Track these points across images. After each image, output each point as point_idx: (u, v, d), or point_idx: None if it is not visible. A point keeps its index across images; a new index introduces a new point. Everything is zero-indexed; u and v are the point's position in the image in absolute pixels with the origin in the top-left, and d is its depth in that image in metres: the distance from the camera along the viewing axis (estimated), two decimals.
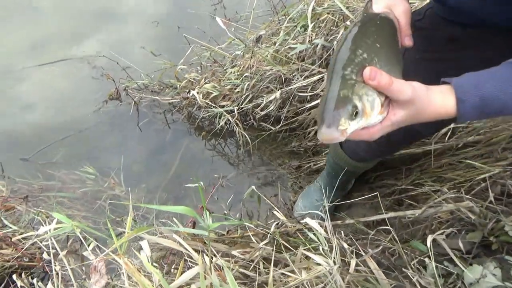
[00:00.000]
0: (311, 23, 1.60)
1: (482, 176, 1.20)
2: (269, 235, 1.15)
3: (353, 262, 0.86)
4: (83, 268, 0.94)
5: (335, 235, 1.00)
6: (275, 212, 1.23)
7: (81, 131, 1.99)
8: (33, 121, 2.05)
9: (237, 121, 1.77)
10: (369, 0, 0.69)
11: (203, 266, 0.63)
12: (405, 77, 0.56)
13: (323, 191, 1.36)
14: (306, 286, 0.79)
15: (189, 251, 0.68)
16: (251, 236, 1.09)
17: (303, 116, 1.74)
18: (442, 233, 1.03)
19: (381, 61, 0.54)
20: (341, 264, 0.90)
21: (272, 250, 1.19)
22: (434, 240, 1.21)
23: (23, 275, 1.43)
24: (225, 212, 1.61)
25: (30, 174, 1.84)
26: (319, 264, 0.89)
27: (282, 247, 1.07)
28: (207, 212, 0.68)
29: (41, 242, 0.91)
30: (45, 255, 0.86)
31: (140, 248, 0.71)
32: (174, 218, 1.20)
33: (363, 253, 0.98)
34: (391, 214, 1.05)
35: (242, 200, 1.67)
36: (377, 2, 0.69)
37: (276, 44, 1.73)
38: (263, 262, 1.08)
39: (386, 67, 0.55)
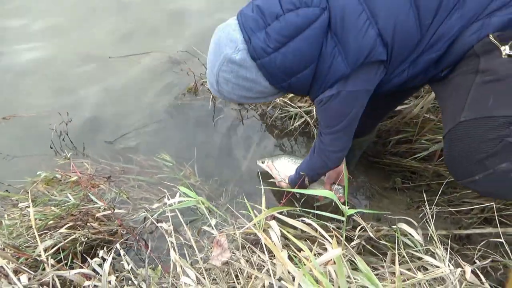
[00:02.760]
0: None
1: None
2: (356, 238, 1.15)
3: (468, 269, 0.83)
4: (205, 241, 0.98)
5: (440, 243, 0.97)
6: (355, 218, 1.22)
7: (159, 121, 2.08)
8: (116, 107, 2.18)
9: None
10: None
11: (340, 250, 0.64)
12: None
13: None
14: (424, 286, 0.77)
15: (323, 235, 0.69)
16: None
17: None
18: None
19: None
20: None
21: (362, 254, 1.18)
22: None
23: (105, 248, 1.51)
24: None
25: (112, 157, 1.95)
26: (430, 267, 0.87)
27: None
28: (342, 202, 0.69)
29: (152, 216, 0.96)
30: (164, 226, 0.91)
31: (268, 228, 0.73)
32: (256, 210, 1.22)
33: (461, 263, 0.95)
34: (499, 230, 1.00)
35: (314, 201, 1.67)
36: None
37: None
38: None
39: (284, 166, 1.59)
